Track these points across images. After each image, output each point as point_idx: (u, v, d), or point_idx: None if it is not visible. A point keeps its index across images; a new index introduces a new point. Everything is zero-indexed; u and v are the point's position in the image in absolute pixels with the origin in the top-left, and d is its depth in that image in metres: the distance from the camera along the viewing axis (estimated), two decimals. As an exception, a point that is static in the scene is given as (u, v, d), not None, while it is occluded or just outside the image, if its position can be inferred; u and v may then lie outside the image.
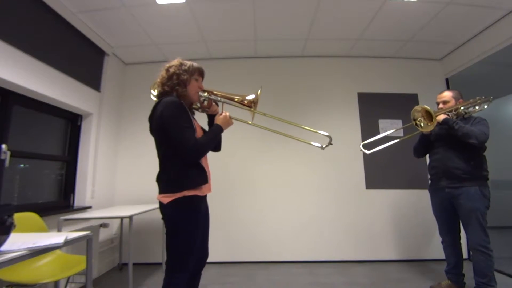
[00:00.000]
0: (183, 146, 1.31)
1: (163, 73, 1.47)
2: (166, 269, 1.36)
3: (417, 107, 2.11)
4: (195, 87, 1.50)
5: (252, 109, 1.54)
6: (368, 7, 2.63)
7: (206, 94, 1.55)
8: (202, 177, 1.41)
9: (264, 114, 1.65)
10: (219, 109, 1.60)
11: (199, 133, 1.46)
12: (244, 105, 1.57)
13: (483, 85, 3.59)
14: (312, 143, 1.67)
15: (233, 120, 1.57)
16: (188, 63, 1.50)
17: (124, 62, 3.65)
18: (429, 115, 2.04)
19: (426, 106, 2.05)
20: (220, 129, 1.49)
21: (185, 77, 1.45)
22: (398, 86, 3.57)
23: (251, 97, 1.56)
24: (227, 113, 1.53)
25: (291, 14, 2.74)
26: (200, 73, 1.54)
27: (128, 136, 3.51)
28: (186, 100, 1.48)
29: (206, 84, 1.63)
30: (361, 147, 2.43)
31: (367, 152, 2.38)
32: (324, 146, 1.62)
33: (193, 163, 1.38)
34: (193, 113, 1.59)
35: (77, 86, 2.75)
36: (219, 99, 1.57)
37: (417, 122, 2.12)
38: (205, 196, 1.51)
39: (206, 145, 1.41)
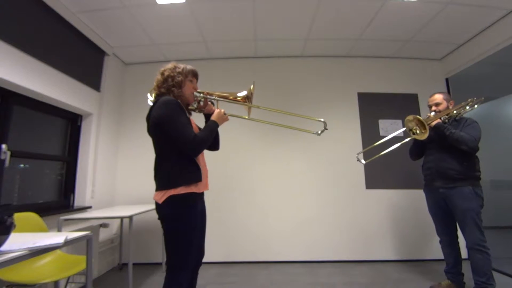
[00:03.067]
0: (183, 141, 1.34)
1: (158, 77, 1.51)
2: (167, 268, 1.37)
3: (409, 117, 2.15)
4: (190, 88, 1.54)
5: (246, 103, 1.60)
6: (368, 7, 2.63)
7: (201, 94, 1.58)
8: (196, 174, 1.42)
9: (258, 107, 1.67)
10: (215, 108, 1.63)
11: (195, 131, 1.49)
12: (238, 101, 1.61)
13: (483, 85, 3.59)
14: (307, 129, 1.67)
15: (230, 117, 1.60)
16: (182, 65, 1.55)
17: (124, 62, 3.65)
18: (422, 123, 2.09)
19: (418, 116, 2.11)
20: (215, 124, 1.51)
21: (179, 78, 1.49)
22: (398, 86, 3.57)
23: (243, 93, 1.61)
24: (222, 110, 1.56)
25: (291, 14, 2.74)
26: (194, 75, 1.57)
27: (128, 136, 3.50)
28: (182, 100, 1.52)
29: (206, 83, 1.67)
30: (358, 157, 2.47)
31: (363, 162, 2.44)
32: (319, 132, 1.62)
33: (188, 160, 1.40)
34: (190, 114, 1.62)
35: (77, 86, 2.75)
36: (214, 97, 1.61)
37: (413, 130, 2.17)
38: (202, 194, 1.53)
39: (205, 140, 1.43)
